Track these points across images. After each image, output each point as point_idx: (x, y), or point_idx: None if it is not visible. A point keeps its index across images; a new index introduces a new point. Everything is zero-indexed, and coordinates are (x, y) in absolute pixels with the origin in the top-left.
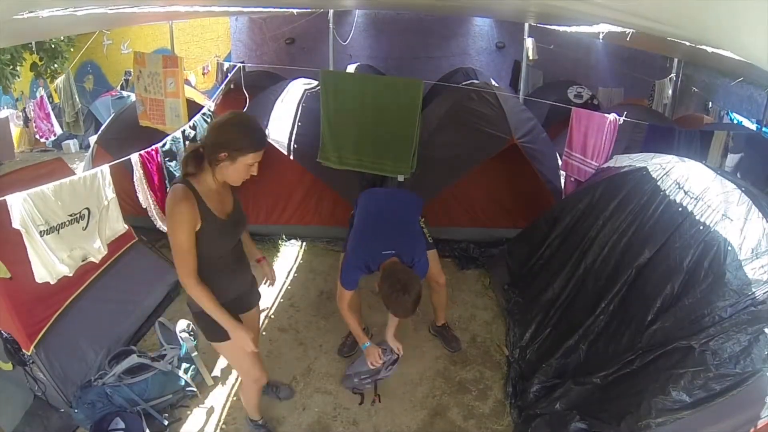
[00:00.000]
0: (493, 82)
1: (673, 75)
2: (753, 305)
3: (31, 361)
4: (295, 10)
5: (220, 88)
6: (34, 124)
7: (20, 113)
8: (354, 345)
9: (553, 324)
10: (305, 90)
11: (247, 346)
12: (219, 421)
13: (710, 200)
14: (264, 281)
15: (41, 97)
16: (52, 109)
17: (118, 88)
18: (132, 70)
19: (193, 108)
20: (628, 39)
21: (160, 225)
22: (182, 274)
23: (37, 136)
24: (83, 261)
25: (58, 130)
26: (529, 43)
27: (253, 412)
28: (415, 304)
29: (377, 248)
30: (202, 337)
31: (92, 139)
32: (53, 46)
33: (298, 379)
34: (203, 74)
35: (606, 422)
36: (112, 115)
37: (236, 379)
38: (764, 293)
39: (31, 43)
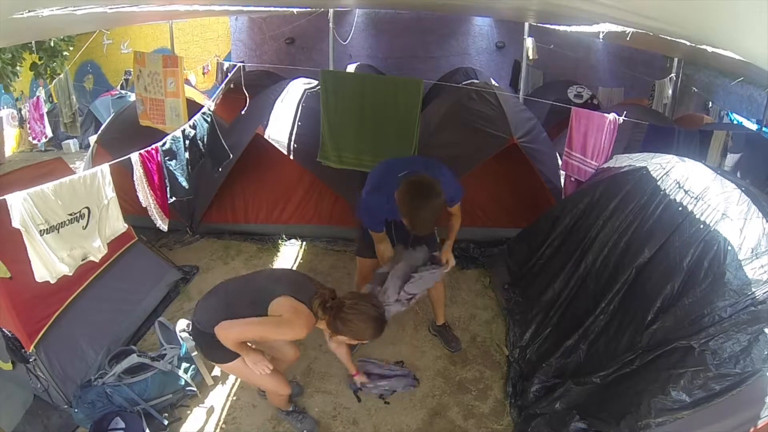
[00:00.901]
0: (493, 82)
1: (673, 75)
2: (753, 305)
3: (32, 359)
4: (295, 10)
5: (220, 87)
6: (28, 126)
7: (16, 114)
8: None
9: (553, 324)
10: (305, 90)
11: (261, 368)
12: (219, 421)
13: (710, 200)
14: None
15: (37, 97)
16: (52, 109)
17: (118, 87)
18: (132, 69)
19: (193, 108)
20: (628, 39)
21: (160, 224)
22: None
23: (31, 138)
24: (83, 260)
25: (50, 133)
26: (529, 42)
27: (285, 405)
28: (437, 209)
29: (393, 175)
30: None
31: (92, 139)
32: (53, 45)
33: (298, 379)
34: (203, 74)
35: (606, 422)
36: (112, 115)
37: (236, 379)
38: (764, 293)
39: (30, 43)
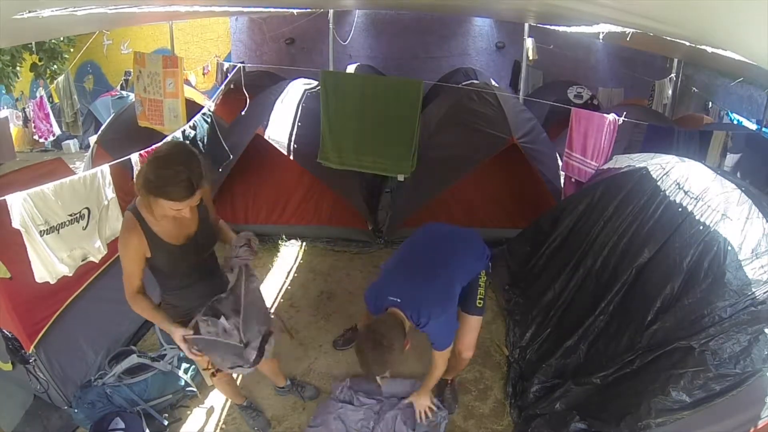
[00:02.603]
0: (493, 82)
1: (673, 75)
2: (753, 305)
3: (33, 359)
4: (295, 10)
5: (220, 88)
6: (33, 125)
7: (20, 113)
8: (350, 340)
9: (553, 324)
10: (305, 90)
11: (178, 342)
12: (219, 421)
13: (710, 200)
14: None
15: (41, 97)
16: (52, 109)
17: (118, 88)
18: (132, 70)
19: (193, 108)
20: (628, 39)
21: None
22: (126, 294)
23: (36, 137)
24: (83, 261)
25: (57, 131)
26: (529, 43)
27: (236, 399)
28: (372, 364)
29: (387, 289)
30: None
31: (92, 139)
32: (53, 46)
33: (298, 380)
34: (203, 74)
35: (606, 422)
36: (112, 115)
37: (236, 379)
38: (764, 293)
39: (30, 44)
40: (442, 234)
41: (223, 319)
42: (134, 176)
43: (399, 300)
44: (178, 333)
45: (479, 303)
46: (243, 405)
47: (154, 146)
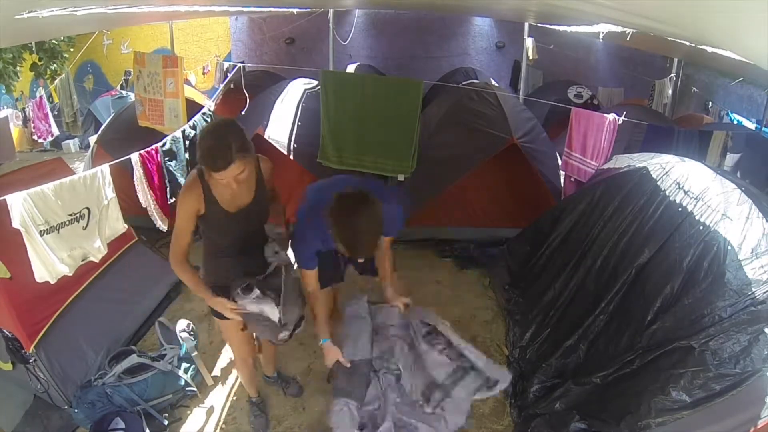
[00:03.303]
0: (493, 82)
1: (673, 75)
2: (753, 305)
3: (33, 359)
4: (295, 10)
5: (220, 88)
6: (32, 125)
7: (19, 113)
8: None
9: (553, 324)
10: (305, 90)
11: (225, 311)
12: (219, 421)
13: (710, 200)
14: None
15: (40, 97)
16: (52, 110)
17: (118, 88)
18: (132, 70)
19: (193, 108)
20: (628, 39)
21: (160, 224)
22: (171, 252)
23: (35, 137)
24: (83, 261)
25: (56, 131)
26: (529, 43)
27: (249, 389)
28: (375, 225)
29: (326, 194)
30: (202, 336)
31: (92, 139)
32: (53, 46)
33: (298, 380)
34: (203, 74)
35: (606, 422)
36: (112, 115)
37: (236, 379)
38: (764, 293)
39: (30, 43)
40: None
41: (267, 298)
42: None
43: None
44: (223, 305)
45: None
46: (254, 400)
47: (154, 146)
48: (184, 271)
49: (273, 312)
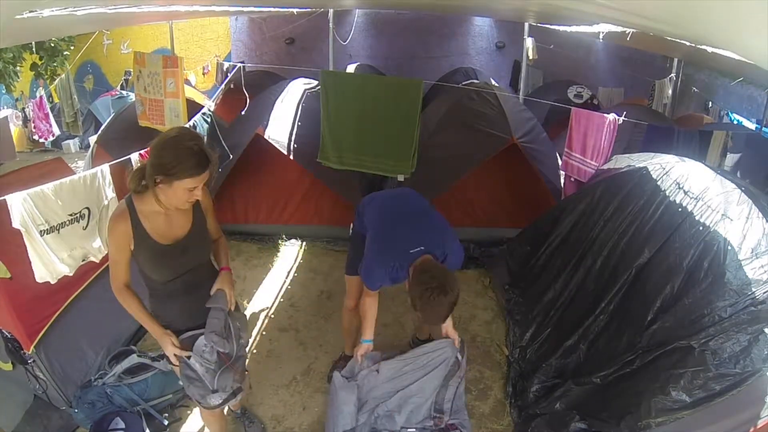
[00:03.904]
0: (493, 82)
1: (673, 75)
2: (753, 305)
3: (31, 360)
4: (295, 10)
5: (220, 88)
6: (32, 125)
7: (20, 113)
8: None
9: (553, 324)
10: (305, 90)
11: (166, 348)
12: None
13: (710, 200)
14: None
15: (41, 97)
16: (52, 109)
17: (118, 88)
18: (132, 70)
19: (193, 108)
20: (628, 39)
21: None
22: (111, 284)
23: (36, 137)
24: (83, 261)
25: (56, 131)
26: (529, 43)
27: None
28: (452, 305)
29: (404, 247)
30: None
31: (92, 139)
32: (53, 45)
33: (298, 379)
34: (203, 74)
35: (606, 422)
36: (112, 115)
37: None
38: (764, 293)
39: (30, 43)
40: (387, 197)
41: (202, 361)
42: (132, 172)
43: (422, 247)
44: (168, 342)
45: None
46: (237, 414)
47: None
48: (125, 300)
49: (209, 377)
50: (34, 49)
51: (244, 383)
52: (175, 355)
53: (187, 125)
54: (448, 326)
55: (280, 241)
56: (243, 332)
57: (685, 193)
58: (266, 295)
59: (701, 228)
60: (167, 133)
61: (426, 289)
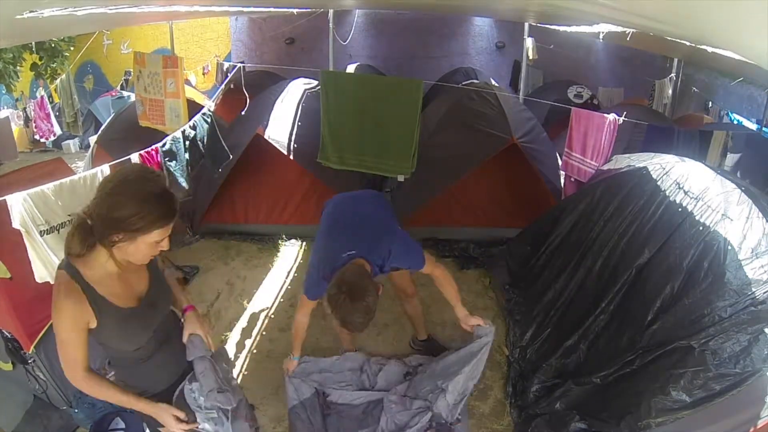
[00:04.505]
0: (493, 82)
1: (673, 75)
2: (753, 305)
3: (32, 360)
4: (295, 10)
5: (220, 88)
6: (34, 124)
7: (20, 113)
8: None
9: (553, 324)
10: (305, 90)
11: (170, 423)
12: None
13: (710, 200)
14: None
15: (41, 97)
16: (52, 109)
17: (118, 88)
18: (132, 70)
19: (193, 108)
20: (628, 39)
21: None
22: (67, 373)
23: (37, 137)
24: None
25: (58, 131)
26: (529, 43)
27: None
28: (366, 312)
29: (338, 251)
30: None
31: (92, 139)
32: (53, 45)
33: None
34: (203, 74)
35: (606, 422)
36: (112, 115)
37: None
38: (764, 293)
39: (30, 43)
40: (347, 198)
41: (206, 416)
42: (70, 232)
43: (354, 251)
44: (169, 415)
45: None
46: None
47: (154, 146)
48: (94, 386)
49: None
50: (34, 49)
51: (256, 422)
52: (184, 422)
53: (187, 125)
54: (466, 318)
55: (280, 241)
56: (229, 368)
57: (685, 193)
58: (266, 295)
59: (701, 228)
60: (118, 176)
61: (336, 294)
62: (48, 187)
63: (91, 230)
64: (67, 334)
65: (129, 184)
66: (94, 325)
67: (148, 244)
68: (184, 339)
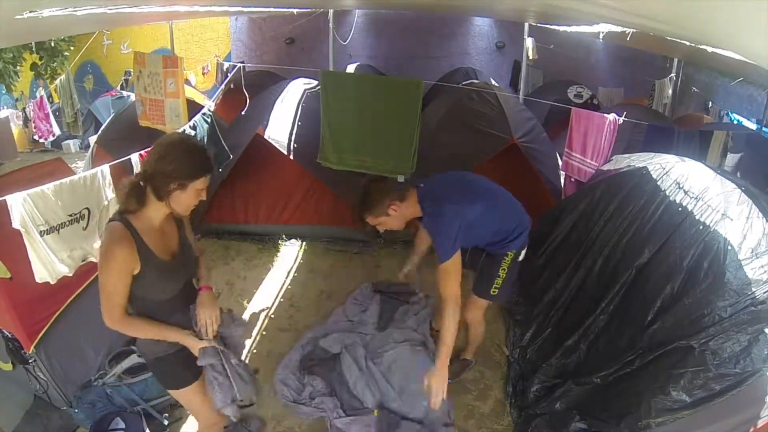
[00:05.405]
0: (493, 82)
1: (673, 75)
2: (753, 305)
3: (32, 360)
4: (295, 10)
5: (220, 88)
6: (33, 125)
7: (20, 113)
8: None
9: (553, 324)
10: (305, 90)
11: (197, 346)
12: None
13: (710, 200)
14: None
15: (41, 97)
16: (52, 110)
17: (118, 88)
18: (132, 70)
19: (193, 108)
20: (628, 39)
21: None
22: (106, 317)
23: (36, 137)
24: (83, 261)
25: (57, 131)
26: (529, 42)
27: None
28: (364, 193)
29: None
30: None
31: (92, 139)
32: (53, 45)
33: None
34: (203, 74)
35: (606, 422)
36: (112, 115)
37: None
38: (764, 293)
39: (30, 43)
40: (483, 181)
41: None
42: (124, 192)
43: (422, 185)
44: (195, 339)
45: (494, 291)
46: (231, 425)
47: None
48: (132, 325)
49: (237, 382)
50: (34, 49)
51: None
52: (204, 348)
53: (187, 125)
54: (437, 378)
55: (280, 241)
56: (241, 361)
57: (685, 193)
58: (266, 295)
59: (701, 228)
60: (167, 140)
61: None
62: (48, 187)
63: (143, 190)
64: (115, 278)
65: (175, 144)
66: (137, 271)
67: (195, 191)
68: (195, 313)
